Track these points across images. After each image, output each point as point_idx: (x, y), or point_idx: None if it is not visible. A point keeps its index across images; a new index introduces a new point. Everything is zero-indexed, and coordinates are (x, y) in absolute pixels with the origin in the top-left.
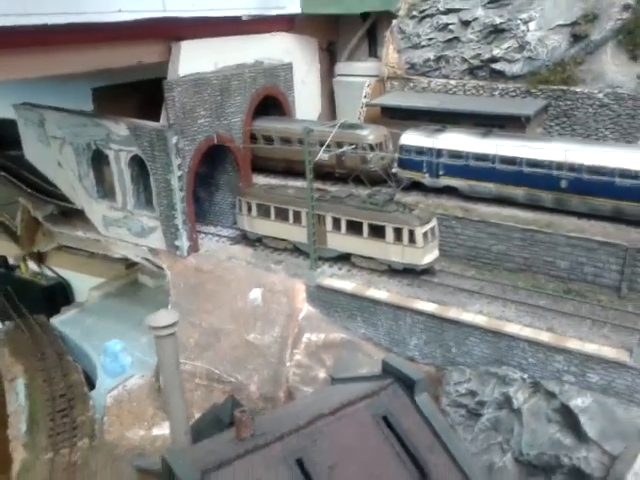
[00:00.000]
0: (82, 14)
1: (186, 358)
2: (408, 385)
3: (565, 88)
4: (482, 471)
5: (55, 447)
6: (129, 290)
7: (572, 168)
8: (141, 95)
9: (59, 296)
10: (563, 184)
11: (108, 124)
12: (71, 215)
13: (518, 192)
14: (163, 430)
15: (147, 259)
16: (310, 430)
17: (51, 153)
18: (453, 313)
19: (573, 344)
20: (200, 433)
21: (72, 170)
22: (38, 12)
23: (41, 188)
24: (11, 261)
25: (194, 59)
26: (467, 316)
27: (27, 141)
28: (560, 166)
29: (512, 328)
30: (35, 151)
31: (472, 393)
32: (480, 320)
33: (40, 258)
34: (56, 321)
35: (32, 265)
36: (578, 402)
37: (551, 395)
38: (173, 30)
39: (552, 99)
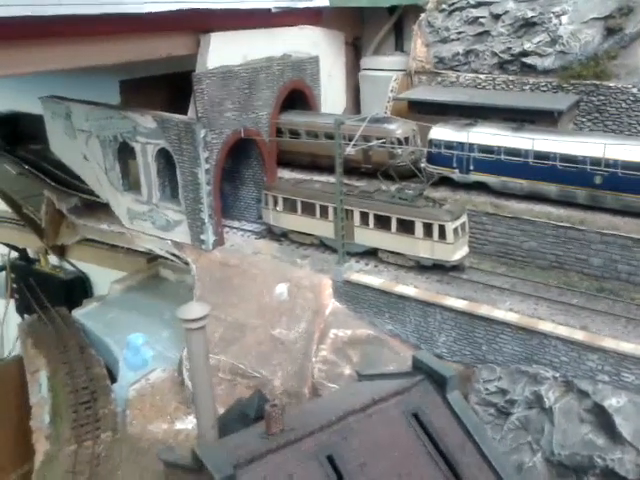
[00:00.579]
0: (116, 4)
1: (210, 352)
2: (439, 382)
3: (598, 83)
4: (514, 471)
5: (78, 439)
6: (150, 284)
7: (608, 164)
8: (168, 89)
9: (78, 290)
10: (597, 180)
11: (135, 117)
12: (95, 208)
13: (551, 188)
14: (186, 424)
15: (172, 253)
16: (341, 426)
17: (77, 146)
18: (484, 310)
19: (608, 343)
20: (225, 427)
21: (98, 163)
22: (72, 2)
23: (64, 181)
24: (31, 254)
25: (223, 52)
26: (499, 313)
27: (53, 134)
28: (595, 162)
29: (545, 326)
30: (61, 144)
31: (502, 391)
32: (512, 317)
33: (62, 251)
34: (78, 314)
35: (52, 259)
36: (612, 402)
37: (584, 394)
38: (203, 22)
39: (584, 94)
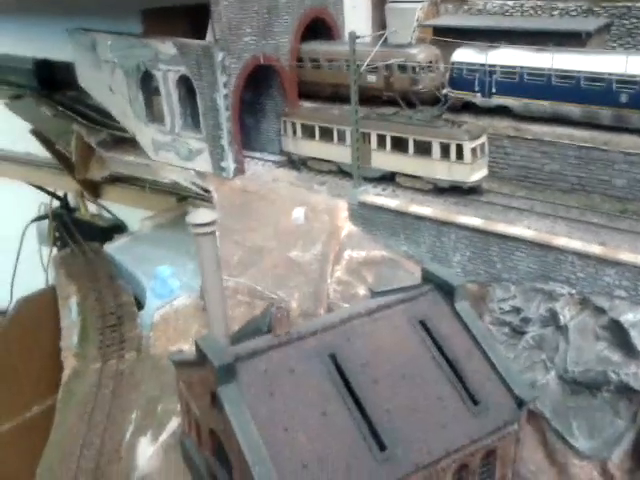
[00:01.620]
0: None
1: (229, 275)
2: (447, 292)
3: (630, 4)
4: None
5: (104, 358)
6: (179, 221)
7: (634, 81)
8: (189, 20)
9: (117, 236)
10: (623, 98)
11: (156, 44)
12: (123, 143)
13: (574, 109)
14: None
15: (194, 182)
16: (345, 328)
17: (103, 78)
18: (499, 227)
19: (626, 257)
20: (238, 341)
21: (122, 94)
22: None
23: (95, 119)
24: (71, 203)
25: None
26: (514, 230)
27: (80, 67)
28: (621, 79)
29: (561, 241)
30: (88, 76)
31: (516, 310)
32: (528, 234)
33: (96, 193)
34: (109, 248)
35: (91, 207)
36: (629, 317)
37: (600, 311)
38: None
39: (615, 17)
